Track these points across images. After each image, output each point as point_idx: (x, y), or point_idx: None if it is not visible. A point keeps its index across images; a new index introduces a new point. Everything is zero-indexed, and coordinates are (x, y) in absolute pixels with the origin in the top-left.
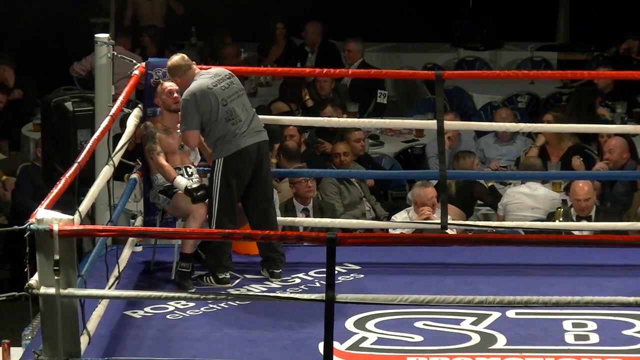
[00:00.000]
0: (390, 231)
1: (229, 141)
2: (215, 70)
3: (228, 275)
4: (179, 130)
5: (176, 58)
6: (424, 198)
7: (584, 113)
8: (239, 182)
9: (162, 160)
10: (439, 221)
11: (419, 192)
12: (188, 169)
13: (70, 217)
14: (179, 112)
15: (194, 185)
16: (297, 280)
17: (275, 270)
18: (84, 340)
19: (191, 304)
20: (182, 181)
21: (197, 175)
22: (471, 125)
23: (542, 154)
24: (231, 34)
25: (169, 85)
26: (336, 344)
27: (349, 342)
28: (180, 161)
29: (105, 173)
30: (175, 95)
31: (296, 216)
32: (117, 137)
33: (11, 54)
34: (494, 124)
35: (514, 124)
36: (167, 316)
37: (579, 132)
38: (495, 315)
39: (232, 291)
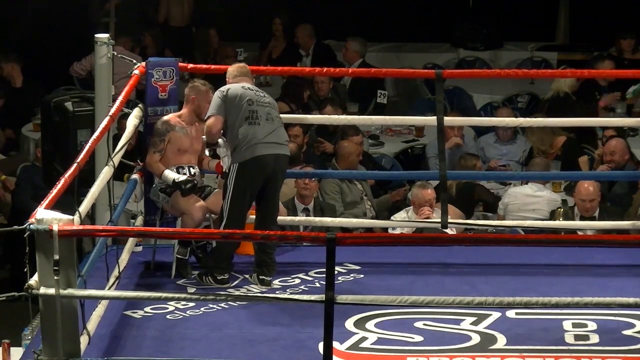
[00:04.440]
0: (390, 231)
1: (246, 147)
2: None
3: (227, 276)
4: (206, 117)
5: (235, 65)
6: (422, 199)
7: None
8: (252, 189)
9: (154, 157)
10: (438, 220)
11: (417, 193)
12: (192, 169)
13: (70, 217)
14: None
15: (182, 178)
16: (297, 281)
17: (266, 278)
18: (84, 340)
19: (191, 304)
20: (170, 174)
21: (199, 176)
22: (471, 120)
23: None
24: (231, 34)
25: (212, 96)
26: (336, 344)
27: (349, 342)
28: (187, 161)
29: (105, 173)
30: None
31: (297, 216)
32: (117, 137)
33: (12, 53)
34: (493, 119)
35: (513, 118)
36: (167, 316)
37: (577, 125)
38: (495, 315)
39: (232, 291)
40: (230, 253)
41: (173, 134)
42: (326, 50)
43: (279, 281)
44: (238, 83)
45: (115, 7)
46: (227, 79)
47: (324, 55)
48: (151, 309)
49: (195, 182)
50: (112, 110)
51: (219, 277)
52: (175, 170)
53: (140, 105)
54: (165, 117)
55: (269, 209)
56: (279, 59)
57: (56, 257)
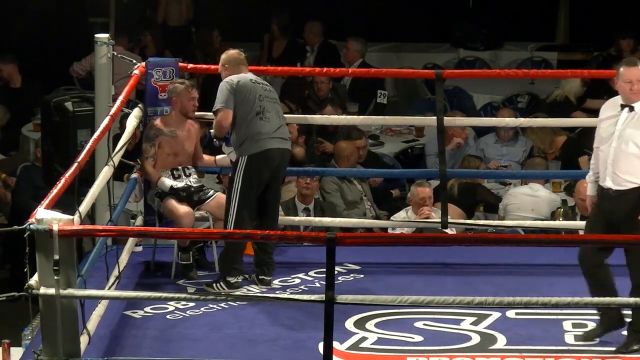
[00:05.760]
0: (390, 231)
1: (255, 141)
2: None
3: (240, 279)
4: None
5: (231, 52)
6: (417, 197)
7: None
8: (259, 182)
9: (149, 165)
10: (439, 220)
11: (414, 191)
12: (186, 169)
13: (70, 217)
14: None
15: (179, 185)
16: (297, 281)
17: (266, 278)
18: (84, 340)
19: (191, 304)
20: (166, 181)
21: (195, 175)
22: (471, 121)
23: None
24: (232, 34)
25: (196, 93)
26: (336, 344)
27: (349, 342)
28: (179, 163)
29: (105, 173)
30: (197, 104)
31: (297, 216)
32: (117, 137)
33: (12, 54)
34: (493, 119)
35: (513, 118)
36: (167, 316)
37: (577, 125)
38: (495, 315)
39: (232, 291)
40: (241, 252)
41: (162, 138)
42: (331, 49)
43: (279, 281)
44: (241, 73)
45: (115, 7)
46: (224, 66)
47: (328, 54)
48: (151, 309)
49: (192, 188)
50: (113, 110)
51: (232, 281)
52: (171, 173)
53: (140, 105)
54: (153, 122)
55: (270, 206)
56: (279, 58)
57: (56, 257)
